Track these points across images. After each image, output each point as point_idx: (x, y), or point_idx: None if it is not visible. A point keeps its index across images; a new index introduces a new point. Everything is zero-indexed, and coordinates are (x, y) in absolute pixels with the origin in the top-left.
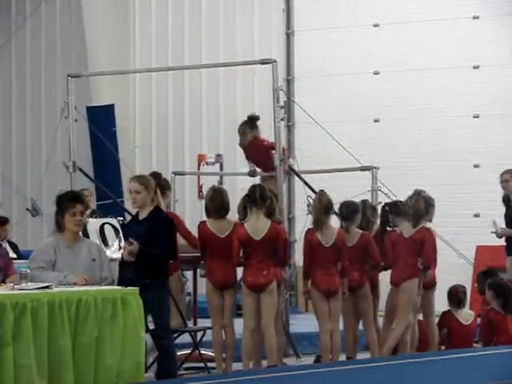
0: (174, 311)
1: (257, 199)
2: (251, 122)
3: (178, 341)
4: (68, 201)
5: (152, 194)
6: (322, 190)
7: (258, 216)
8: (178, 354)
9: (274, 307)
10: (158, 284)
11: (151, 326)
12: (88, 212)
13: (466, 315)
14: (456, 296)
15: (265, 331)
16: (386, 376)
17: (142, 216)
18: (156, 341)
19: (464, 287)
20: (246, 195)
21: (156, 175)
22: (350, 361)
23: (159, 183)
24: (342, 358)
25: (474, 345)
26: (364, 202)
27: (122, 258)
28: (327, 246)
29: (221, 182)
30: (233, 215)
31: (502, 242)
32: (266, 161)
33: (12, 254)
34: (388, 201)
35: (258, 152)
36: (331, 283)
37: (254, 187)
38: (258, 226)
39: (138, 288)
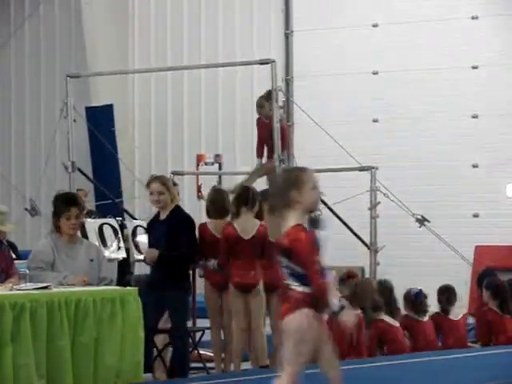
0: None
1: (249, 199)
2: (267, 94)
3: None
4: (62, 204)
5: (172, 193)
6: None
7: (248, 216)
8: None
9: (262, 307)
10: (178, 285)
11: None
12: (84, 212)
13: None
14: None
15: (255, 332)
16: (385, 376)
17: (163, 216)
18: (171, 340)
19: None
20: (238, 195)
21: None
22: (350, 361)
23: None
24: None
25: (472, 345)
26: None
27: (145, 260)
28: None
29: (219, 182)
30: None
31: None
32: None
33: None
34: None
35: (271, 133)
36: None
37: (246, 188)
38: (247, 225)
39: (137, 288)
